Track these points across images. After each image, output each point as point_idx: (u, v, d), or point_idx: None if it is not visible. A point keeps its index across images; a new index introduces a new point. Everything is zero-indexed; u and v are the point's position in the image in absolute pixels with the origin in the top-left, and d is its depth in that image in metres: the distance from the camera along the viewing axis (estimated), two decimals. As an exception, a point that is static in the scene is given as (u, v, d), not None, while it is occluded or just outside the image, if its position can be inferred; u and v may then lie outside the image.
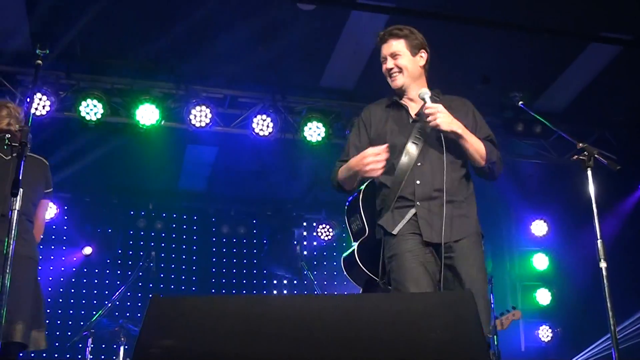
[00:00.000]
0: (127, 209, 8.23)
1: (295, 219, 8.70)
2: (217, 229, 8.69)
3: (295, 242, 8.33)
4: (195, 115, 6.45)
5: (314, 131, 6.77)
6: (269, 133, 6.65)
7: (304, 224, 8.98)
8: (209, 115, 6.45)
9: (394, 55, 2.95)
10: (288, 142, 6.86)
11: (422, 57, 2.99)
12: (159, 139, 6.69)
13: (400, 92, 2.99)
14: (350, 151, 3.02)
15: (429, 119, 2.80)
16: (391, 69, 2.96)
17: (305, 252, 8.56)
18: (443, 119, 2.79)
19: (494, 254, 7.09)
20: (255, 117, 6.65)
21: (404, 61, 2.94)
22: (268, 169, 7.62)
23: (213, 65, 6.28)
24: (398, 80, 2.96)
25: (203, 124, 6.44)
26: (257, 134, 6.63)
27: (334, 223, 8.65)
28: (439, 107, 2.82)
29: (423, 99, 2.87)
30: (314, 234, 8.73)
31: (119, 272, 7.90)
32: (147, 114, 6.33)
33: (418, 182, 2.87)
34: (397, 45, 2.96)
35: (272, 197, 8.42)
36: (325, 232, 8.78)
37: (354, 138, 3.08)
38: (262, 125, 6.64)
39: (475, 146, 2.83)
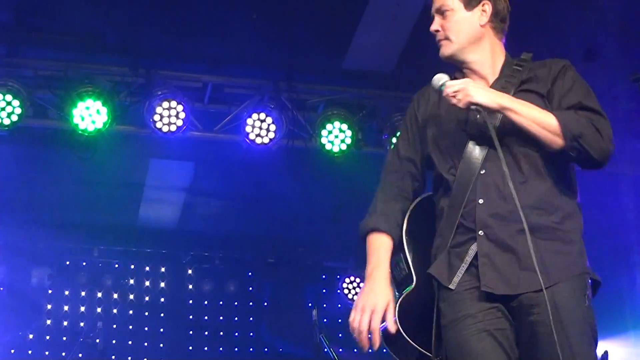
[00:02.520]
0: (59, 256, 8.38)
1: (309, 269, 8.93)
2: (195, 285, 8.95)
3: (309, 305, 8.52)
4: (161, 115, 6.60)
5: (336, 136, 6.91)
6: (270, 140, 6.79)
7: (323, 276, 9.13)
8: (182, 115, 6.61)
9: (440, 12, 3.08)
10: (298, 154, 7.03)
11: (485, 11, 3.08)
12: (107, 152, 6.88)
13: (458, 64, 3.08)
14: (400, 151, 3.13)
15: (452, 101, 2.87)
16: (435, 31, 3.08)
17: (325, 320, 8.57)
18: (468, 90, 2.84)
19: (610, 308, 6.82)
20: (250, 116, 6.78)
21: (453, 20, 3.05)
22: (268, 194, 7.82)
23: (187, 39, 6.49)
24: (443, 49, 3.06)
25: (173, 128, 6.61)
26: (253, 141, 6.77)
27: None
28: (463, 81, 2.92)
29: (439, 90, 2.92)
30: (338, 291, 8.96)
31: (47, 352, 8.10)
32: (89, 114, 6.49)
33: (481, 201, 2.89)
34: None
35: (275, 237, 8.56)
36: (354, 288, 8.91)
37: (403, 130, 3.21)
38: (260, 128, 6.78)
39: (537, 118, 2.83)
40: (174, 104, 6.59)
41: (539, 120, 2.83)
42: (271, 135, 6.78)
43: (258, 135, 6.77)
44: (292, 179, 7.57)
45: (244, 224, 8.44)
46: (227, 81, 6.98)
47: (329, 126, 6.91)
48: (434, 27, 3.06)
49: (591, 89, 2.99)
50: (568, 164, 3.00)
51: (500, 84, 3.01)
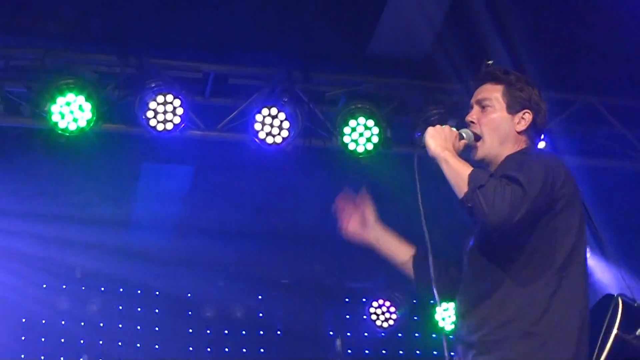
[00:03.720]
0: (37, 278, 8.61)
1: (330, 291, 8.90)
2: (194, 312, 9.07)
3: (331, 333, 8.51)
4: (155, 112, 6.66)
5: (361, 133, 6.97)
6: (283, 139, 6.86)
7: (346, 299, 9.09)
8: (179, 111, 6.68)
9: (481, 104, 3.56)
10: (316, 155, 7.12)
11: (524, 119, 3.55)
12: (92, 155, 6.99)
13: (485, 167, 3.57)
14: None
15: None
16: (470, 122, 3.59)
17: (349, 351, 8.63)
18: (427, 132, 3.52)
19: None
20: (259, 111, 6.84)
21: (492, 117, 3.55)
22: (281, 203, 7.89)
23: (184, 22, 6.57)
24: (476, 152, 3.59)
25: (169, 127, 6.68)
26: (263, 141, 6.83)
27: (400, 297, 8.77)
28: (436, 128, 3.55)
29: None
30: (364, 317, 8.91)
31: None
32: (71, 111, 6.56)
33: (463, 307, 3.65)
34: (490, 91, 3.55)
35: (289, 254, 8.64)
36: (383, 313, 8.91)
37: None
38: (271, 125, 6.84)
39: (457, 168, 3.38)
40: (170, 98, 6.64)
41: (457, 168, 3.35)
42: (284, 133, 6.84)
43: (269, 134, 6.82)
44: (309, 185, 7.59)
45: (253, 239, 8.47)
46: (231, 70, 7.03)
47: (352, 122, 6.97)
48: (471, 117, 3.54)
49: (536, 172, 3.32)
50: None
51: None
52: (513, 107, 3.53)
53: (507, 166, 3.43)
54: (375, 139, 6.99)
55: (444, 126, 3.52)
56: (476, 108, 3.55)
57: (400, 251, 3.92)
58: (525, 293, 3.35)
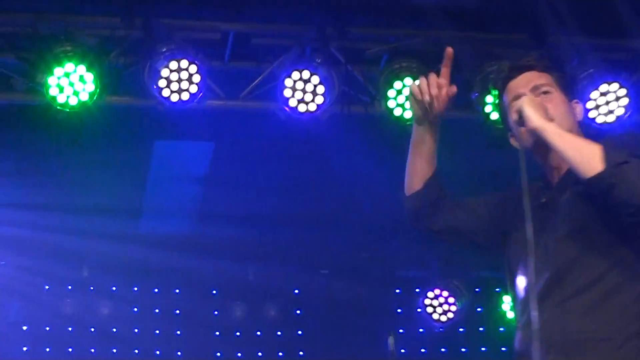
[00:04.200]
0: (36, 278, 8.66)
1: (378, 281, 8.90)
2: (222, 310, 9.07)
3: (382, 331, 8.28)
4: (167, 80, 6.60)
5: (407, 97, 6.62)
6: (317, 107, 6.80)
7: (397, 291, 9.10)
8: (196, 78, 6.63)
9: (538, 89, 3.69)
10: (356, 123, 7.08)
11: (578, 109, 3.75)
12: (96, 133, 6.93)
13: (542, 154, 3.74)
14: None
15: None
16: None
17: (403, 350, 8.63)
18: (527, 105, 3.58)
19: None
20: (289, 75, 6.77)
21: (558, 102, 3.67)
22: (317, 180, 7.94)
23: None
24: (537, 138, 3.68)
25: (185, 97, 6.65)
26: (294, 109, 6.79)
27: (459, 286, 8.75)
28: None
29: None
30: (419, 310, 8.94)
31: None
32: (70, 83, 6.49)
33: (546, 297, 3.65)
34: (540, 78, 3.72)
35: (328, 240, 8.60)
36: (440, 305, 8.92)
37: None
38: (303, 91, 6.77)
39: (579, 144, 3.47)
40: (184, 63, 6.58)
41: (579, 142, 3.47)
42: (319, 100, 6.76)
43: (301, 100, 6.76)
44: (350, 158, 7.56)
45: (285, 224, 8.48)
46: (255, 29, 6.98)
47: (397, 84, 6.83)
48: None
49: None
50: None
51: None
52: (567, 93, 3.70)
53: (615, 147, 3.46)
54: None
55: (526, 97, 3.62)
56: (529, 95, 3.65)
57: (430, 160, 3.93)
58: (636, 287, 3.46)
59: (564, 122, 3.59)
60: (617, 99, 6.78)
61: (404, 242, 8.55)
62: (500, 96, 3.83)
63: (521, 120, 3.54)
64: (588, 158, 3.37)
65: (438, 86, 3.73)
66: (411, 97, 3.80)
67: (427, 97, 3.71)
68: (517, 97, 3.67)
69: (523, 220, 3.56)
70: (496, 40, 7.00)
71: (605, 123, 6.84)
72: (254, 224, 8.57)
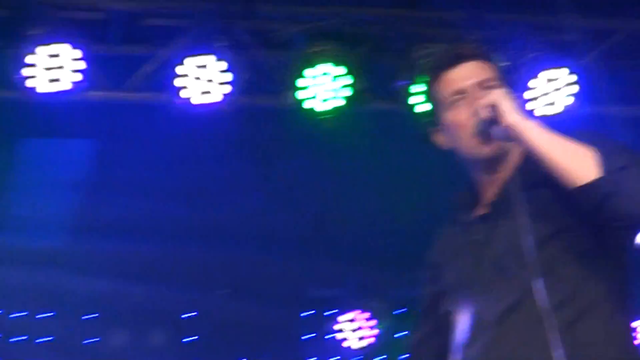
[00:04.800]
0: None
1: (285, 302, 8.75)
2: (101, 338, 9.15)
3: None
4: (39, 69, 6.50)
5: (327, 87, 6.77)
6: (221, 98, 6.69)
7: (308, 313, 8.99)
8: (75, 65, 6.52)
9: (484, 84, 3.56)
10: (265, 118, 7.14)
11: (518, 102, 3.62)
12: None
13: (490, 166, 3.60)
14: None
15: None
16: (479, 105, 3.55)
17: None
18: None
19: None
20: (182, 60, 6.67)
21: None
22: (217, 186, 7.84)
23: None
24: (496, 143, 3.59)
25: (59, 87, 6.55)
26: (188, 101, 6.67)
27: (380, 307, 8.74)
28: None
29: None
30: (329, 336, 8.91)
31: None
32: None
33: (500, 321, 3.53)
34: (484, 70, 3.62)
35: (228, 255, 8.47)
36: (360, 330, 8.91)
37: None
38: (202, 79, 6.67)
39: (566, 145, 3.34)
40: (61, 48, 6.47)
41: (565, 143, 3.31)
42: (223, 90, 6.65)
43: (202, 91, 6.67)
44: (256, 158, 7.61)
45: (177, 236, 8.48)
46: (146, 7, 6.87)
47: (312, 71, 6.74)
48: (486, 99, 3.48)
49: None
50: None
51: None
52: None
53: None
54: (345, 93, 6.83)
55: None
56: (476, 90, 3.54)
57: None
58: (610, 309, 3.37)
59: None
60: (565, 86, 6.67)
61: (315, 257, 8.64)
62: (431, 85, 3.69)
63: (493, 116, 3.37)
64: (579, 162, 3.25)
65: None
66: None
67: None
68: (460, 91, 3.57)
69: (458, 252, 3.57)
70: (426, 19, 6.93)
71: (544, 116, 6.74)
72: (140, 236, 8.45)
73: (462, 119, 3.56)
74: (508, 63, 4.01)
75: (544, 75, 6.64)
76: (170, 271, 8.98)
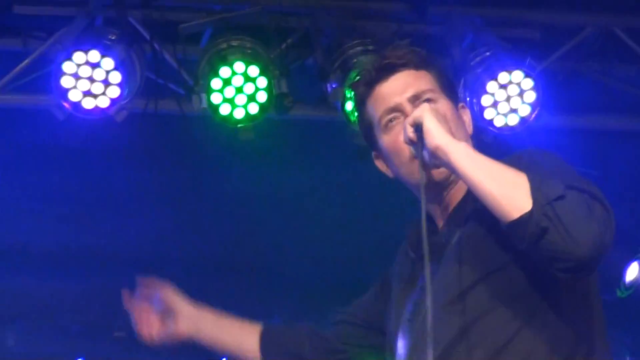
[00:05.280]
0: None
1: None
2: None
3: None
4: None
5: (239, 88, 6.54)
6: (111, 102, 6.39)
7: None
8: None
9: (420, 97, 3.54)
10: (166, 126, 6.97)
11: (468, 114, 3.70)
12: None
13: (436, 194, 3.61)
14: None
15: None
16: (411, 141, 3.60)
17: None
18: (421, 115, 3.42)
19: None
20: (69, 57, 6.31)
21: (444, 113, 3.52)
22: (109, 205, 7.85)
23: None
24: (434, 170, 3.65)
25: None
26: (77, 105, 6.35)
27: None
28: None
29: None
30: None
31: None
32: None
33: None
34: (420, 80, 3.59)
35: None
36: None
37: None
38: (91, 79, 6.33)
39: (499, 172, 3.28)
40: None
41: (498, 169, 3.24)
42: (113, 92, 6.31)
43: (88, 93, 6.28)
44: (157, 174, 7.54)
45: (63, 265, 8.35)
46: None
47: (224, 71, 6.42)
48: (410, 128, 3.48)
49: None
50: None
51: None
52: (453, 99, 3.64)
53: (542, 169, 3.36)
54: (261, 97, 6.49)
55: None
56: (409, 107, 3.50)
57: (242, 333, 4.04)
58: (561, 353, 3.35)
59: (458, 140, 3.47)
60: (521, 93, 6.34)
61: (233, 287, 8.55)
62: (361, 104, 3.65)
63: (419, 138, 3.32)
64: (511, 191, 3.18)
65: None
66: None
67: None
68: (393, 109, 3.53)
69: (397, 287, 3.62)
70: (361, 11, 6.69)
71: (506, 126, 6.43)
72: (14, 266, 8.32)
73: (398, 143, 3.50)
74: (445, 69, 3.78)
75: (500, 77, 6.29)
76: (52, 308, 8.77)
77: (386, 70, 3.57)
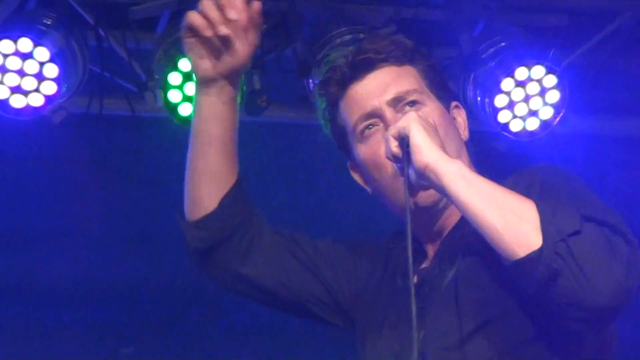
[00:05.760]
0: None
1: None
2: None
3: None
4: None
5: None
6: (46, 100, 6.09)
7: None
8: None
9: (402, 100, 3.44)
10: (115, 126, 6.76)
11: (462, 117, 3.63)
12: None
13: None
14: None
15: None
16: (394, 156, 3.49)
17: None
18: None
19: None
20: None
21: (431, 118, 3.43)
22: (36, 226, 7.75)
23: None
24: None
25: None
26: (5, 103, 6.12)
27: None
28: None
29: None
30: None
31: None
32: None
33: None
34: (404, 78, 3.50)
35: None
36: None
37: None
38: (20, 73, 6.06)
39: (501, 198, 3.14)
40: None
41: (501, 195, 3.10)
42: (48, 89, 6.02)
43: (17, 90, 6.02)
44: (98, 189, 7.39)
45: None
46: None
47: (183, 64, 6.20)
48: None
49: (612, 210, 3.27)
50: None
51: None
52: (444, 99, 3.55)
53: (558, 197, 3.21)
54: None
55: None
56: (390, 112, 3.39)
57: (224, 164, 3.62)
58: None
59: (450, 149, 3.34)
60: (542, 92, 5.93)
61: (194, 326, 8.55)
62: (333, 106, 3.52)
63: (404, 154, 3.16)
64: (516, 224, 3.01)
65: (234, 7, 3.33)
66: (186, 34, 3.39)
67: (219, 30, 3.31)
68: (372, 114, 3.41)
69: (386, 312, 3.45)
70: None
71: (524, 132, 6.03)
72: None
73: (378, 156, 3.37)
74: (433, 62, 3.63)
75: (518, 73, 5.90)
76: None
77: (361, 67, 3.44)
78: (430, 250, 3.43)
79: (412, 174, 3.13)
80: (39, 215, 7.82)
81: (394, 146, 3.16)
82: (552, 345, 3.19)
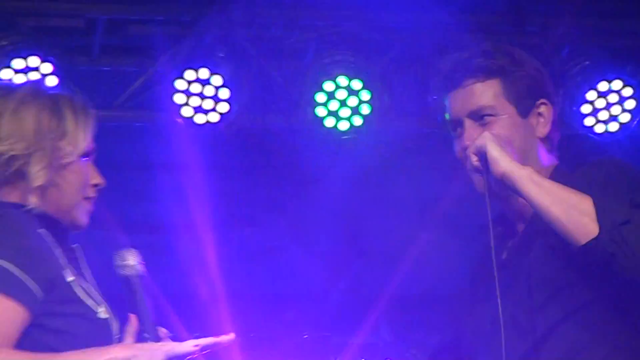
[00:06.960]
0: None
1: None
2: None
3: None
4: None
5: (343, 102, 6.75)
6: (221, 116, 6.71)
7: None
8: (51, 81, 6.42)
9: (477, 113, 3.64)
10: (272, 139, 7.13)
11: (542, 115, 3.70)
12: None
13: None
14: None
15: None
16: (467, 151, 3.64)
17: None
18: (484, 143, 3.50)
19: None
20: (180, 75, 6.65)
21: (499, 130, 3.61)
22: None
23: None
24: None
25: None
26: (190, 120, 6.70)
27: (418, 356, 8.44)
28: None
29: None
30: None
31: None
32: None
33: None
34: (481, 93, 3.65)
35: None
36: None
37: None
38: (201, 96, 6.66)
39: (564, 197, 3.38)
40: (34, 61, 6.38)
41: (564, 194, 3.36)
42: (222, 108, 6.63)
43: (199, 109, 6.62)
44: (251, 186, 7.61)
45: None
46: (132, 13, 6.78)
47: (328, 86, 6.67)
48: (469, 139, 3.59)
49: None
50: None
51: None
52: (523, 104, 3.64)
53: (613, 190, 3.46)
54: (364, 109, 6.75)
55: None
56: (469, 123, 3.62)
57: None
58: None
59: (520, 151, 3.58)
60: (621, 101, 6.56)
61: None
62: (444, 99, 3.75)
63: (484, 166, 3.46)
64: (577, 217, 3.29)
65: None
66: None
67: None
68: (456, 123, 3.65)
69: (482, 284, 3.65)
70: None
71: (606, 133, 6.64)
72: None
73: (459, 153, 3.65)
74: (521, 74, 3.79)
75: (600, 86, 6.52)
76: None
77: (453, 81, 3.66)
78: (521, 227, 3.69)
79: (492, 181, 3.47)
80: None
81: (475, 160, 3.48)
82: (608, 312, 3.48)
